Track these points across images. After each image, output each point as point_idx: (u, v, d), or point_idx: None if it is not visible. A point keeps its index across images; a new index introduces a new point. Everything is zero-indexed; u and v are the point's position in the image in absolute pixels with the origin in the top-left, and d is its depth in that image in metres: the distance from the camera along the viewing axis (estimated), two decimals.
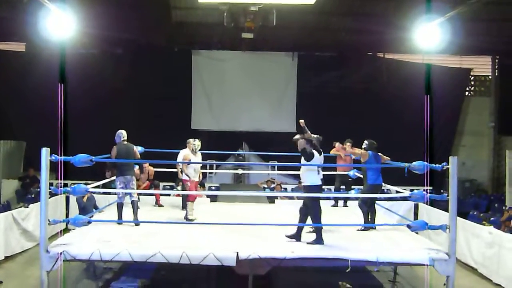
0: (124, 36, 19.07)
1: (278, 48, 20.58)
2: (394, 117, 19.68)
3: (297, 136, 9.09)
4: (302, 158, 8.95)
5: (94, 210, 12.13)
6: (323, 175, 10.15)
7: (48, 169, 7.85)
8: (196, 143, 11.23)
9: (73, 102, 16.74)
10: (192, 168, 10.97)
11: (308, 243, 8.69)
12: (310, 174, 8.88)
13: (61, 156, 8.20)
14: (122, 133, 10.30)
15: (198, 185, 12.16)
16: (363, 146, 10.37)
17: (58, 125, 11.54)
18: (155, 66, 20.01)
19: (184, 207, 11.42)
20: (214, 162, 17.02)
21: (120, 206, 10.17)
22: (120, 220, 9.90)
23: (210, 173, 18.24)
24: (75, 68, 17.64)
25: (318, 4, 12.92)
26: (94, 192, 13.78)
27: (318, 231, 8.77)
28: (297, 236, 8.89)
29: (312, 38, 19.59)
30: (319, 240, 8.68)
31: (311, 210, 8.83)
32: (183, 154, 11.24)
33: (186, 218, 10.70)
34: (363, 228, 9.92)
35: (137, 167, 11.30)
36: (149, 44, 19.97)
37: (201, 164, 11.27)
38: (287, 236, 8.90)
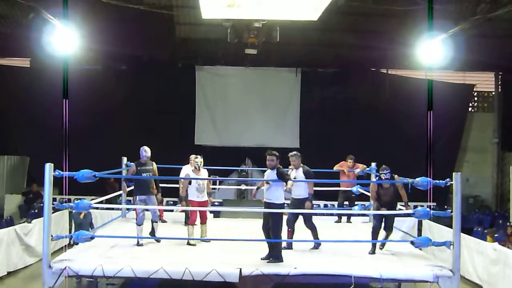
0: (128, 51, 19.17)
1: (281, 64, 20.67)
2: (397, 133, 19.67)
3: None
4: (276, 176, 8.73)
5: (90, 227, 12.09)
6: (327, 191, 10.13)
7: (51, 184, 7.86)
8: (199, 159, 10.27)
9: (77, 118, 16.76)
10: (194, 187, 10.16)
11: (262, 258, 8.62)
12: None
13: (64, 171, 8.21)
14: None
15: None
16: (385, 177, 9.72)
17: (62, 140, 11.51)
18: (159, 82, 20.05)
19: (187, 222, 11.14)
20: (217, 178, 16.99)
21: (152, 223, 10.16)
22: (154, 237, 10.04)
23: (213, 188, 18.19)
24: (79, 83, 17.64)
25: (321, 21, 12.91)
26: (97, 208, 13.80)
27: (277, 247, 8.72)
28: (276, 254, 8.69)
29: (315, 54, 19.64)
30: (277, 255, 8.61)
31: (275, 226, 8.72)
32: (185, 171, 11.03)
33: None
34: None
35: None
36: (153, 59, 20.06)
37: (206, 182, 10.31)
38: (263, 259, 8.66)
